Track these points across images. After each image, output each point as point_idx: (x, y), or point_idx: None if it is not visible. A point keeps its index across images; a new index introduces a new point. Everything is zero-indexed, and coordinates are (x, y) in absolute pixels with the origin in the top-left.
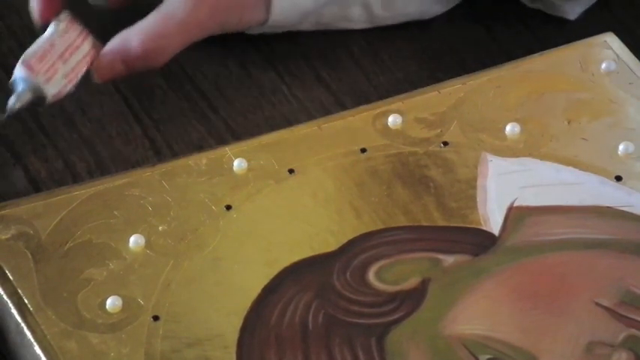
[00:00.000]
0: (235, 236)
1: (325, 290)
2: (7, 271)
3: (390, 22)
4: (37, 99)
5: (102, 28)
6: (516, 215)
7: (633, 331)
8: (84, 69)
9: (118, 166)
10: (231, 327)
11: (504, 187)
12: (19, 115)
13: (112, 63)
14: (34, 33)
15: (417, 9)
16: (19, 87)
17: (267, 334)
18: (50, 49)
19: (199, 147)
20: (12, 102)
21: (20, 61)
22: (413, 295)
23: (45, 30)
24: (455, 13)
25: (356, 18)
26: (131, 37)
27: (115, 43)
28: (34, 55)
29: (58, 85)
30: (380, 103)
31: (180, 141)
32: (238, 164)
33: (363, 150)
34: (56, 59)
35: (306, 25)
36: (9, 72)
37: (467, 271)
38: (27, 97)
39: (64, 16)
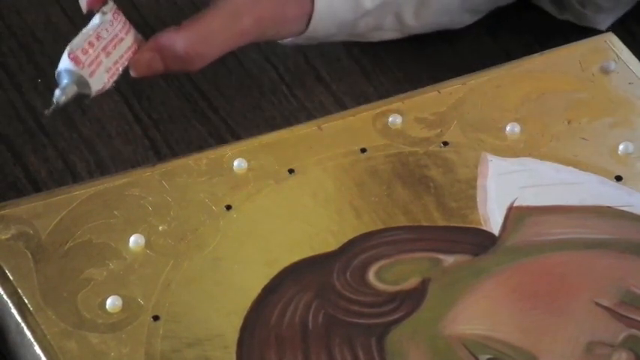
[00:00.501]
0: (235, 236)
1: (325, 290)
2: (7, 271)
3: (419, 31)
4: (82, 93)
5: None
6: (516, 215)
7: (633, 331)
8: (125, 63)
9: (118, 166)
10: (231, 327)
11: (504, 187)
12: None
13: (152, 60)
14: (34, 33)
15: (449, 19)
16: (64, 80)
17: (267, 334)
18: (95, 41)
19: (199, 147)
20: (58, 95)
21: (66, 52)
22: (413, 295)
23: (89, 19)
24: None
25: (388, 27)
26: (176, 38)
27: (159, 41)
28: (79, 46)
29: (101, 79)
30: (380, 102)
31: (180, 141)
32: (238, 164)
33: (363, 150)
34: (100, 51)
35: (340, 37)
36: (9, 72)
37: (467, 271)
38: (72, 90)
39: (110, 7)
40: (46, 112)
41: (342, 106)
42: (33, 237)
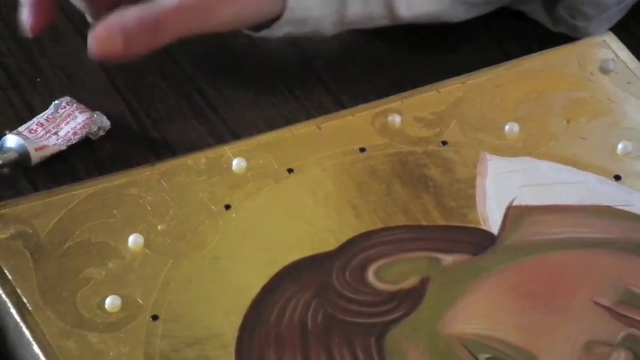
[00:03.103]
0: (234, 235)
1: (324, 289)
2: (6, 271)
3: (412, 21)
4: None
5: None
6: (515, 214)
7: (632, 330)
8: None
9: (117, 165)
10: (230, 326)
11: (503, 186)
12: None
13: (109, 34)
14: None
15: (440, 9)
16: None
17: (267, 334)
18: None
19: (198, 146)
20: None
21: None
22: (412, 294)
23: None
24: None
25: (378, 16)
26: (129, 11)
27: (113, 15)
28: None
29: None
30: (379, 102)
31: (179, 140)
32: (237, 163)
33: (362, 149)
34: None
35: (328, 23)
36: (8, 71)
37: (466, 271)
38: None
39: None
40: None
41: (341, 106)
42: (32, 236)
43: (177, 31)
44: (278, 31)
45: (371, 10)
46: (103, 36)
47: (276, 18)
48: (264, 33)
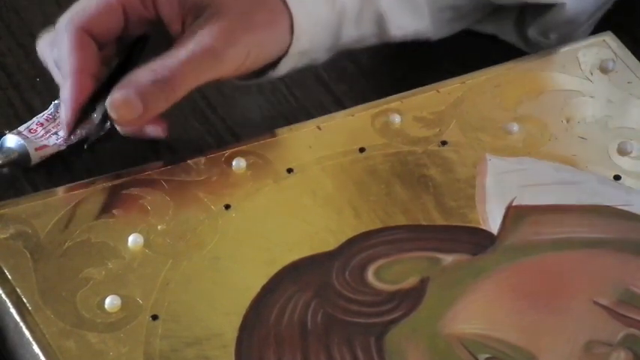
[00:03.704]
0: (234, 235)
1: (324, 289)
2: (5, 271)
3: (400, 40)
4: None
5: None
6: (515, 214)
7: (632, 330)
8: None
9: (117, 165)
10: (230, 326)
11: (503, 186)
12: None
13: (127, 99)
14: (32, 32)
15: (421, 26)
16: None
17: (266, 334)
18: (45, 122)
19: (198, 146)
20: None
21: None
22: (412, 294)
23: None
24: None
25: (369, 35)
26: (141, 72)
27: (126, 80)
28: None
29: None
30: (379, 102)
31: (179, 140)
32: (237, 163)
33: (362, 149)
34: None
35: (327, 47)
36: (7, 71)
37: (466, 271)
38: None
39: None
40: None
41: (341, 106)
42: (32, 236)
43: (191, 81)
44: (284, 67)
45: (363, 31)
46: (122, 102)
47: (281, 55)
48: (270, 73)
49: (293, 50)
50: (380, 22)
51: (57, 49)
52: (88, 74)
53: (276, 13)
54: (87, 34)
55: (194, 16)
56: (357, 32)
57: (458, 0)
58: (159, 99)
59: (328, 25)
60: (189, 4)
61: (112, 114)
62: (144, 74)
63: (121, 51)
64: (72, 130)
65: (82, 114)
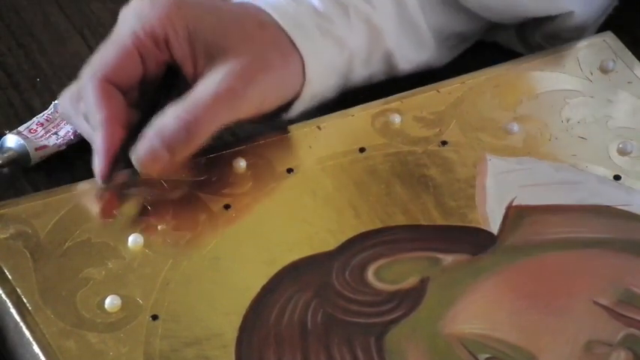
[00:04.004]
0: (234, 235)
1: (324, 289)
2: (5, 271)
3: (409, 72)
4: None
5: None
6: (515, 214)
7: (632, 330)
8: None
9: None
10: (230, 326)
11: (503, 186)
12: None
13: (152, 148)
14: (32, 32)
15: (426, 57)
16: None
17: (266, 334)
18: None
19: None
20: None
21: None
22: (412, 294)
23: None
24: None
25: (378, 72)
26: (164, 120)
27: (150, 129)
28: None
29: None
30: (379, 102)
31: None
32: (237, 164)
33: (362, 149)
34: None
35: (336, 86)
36: (7, 71)
37: (466, 271)
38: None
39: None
40: None
41: (341, 106)
42: (32, 236)
43: (214, 124)
44: (297, 109)
45: (373, 70)
46: (149, 156)
47: (294, 97)
48: (283, 116)
49: (305, 92)
50: (389, 59)
51: (83, 103)
52: (118, 123)
53: (287, 55)
54: (110, 83)
55: (206, 58)
56: (367, 72)
57: (461, 26)
58: (185, 146)
59: (339, 67)
60: (200, 46)
61: (139, 168)
62: (169, 122)
63: (145, 92)
64: (107, 180)
65: (115, 162)
